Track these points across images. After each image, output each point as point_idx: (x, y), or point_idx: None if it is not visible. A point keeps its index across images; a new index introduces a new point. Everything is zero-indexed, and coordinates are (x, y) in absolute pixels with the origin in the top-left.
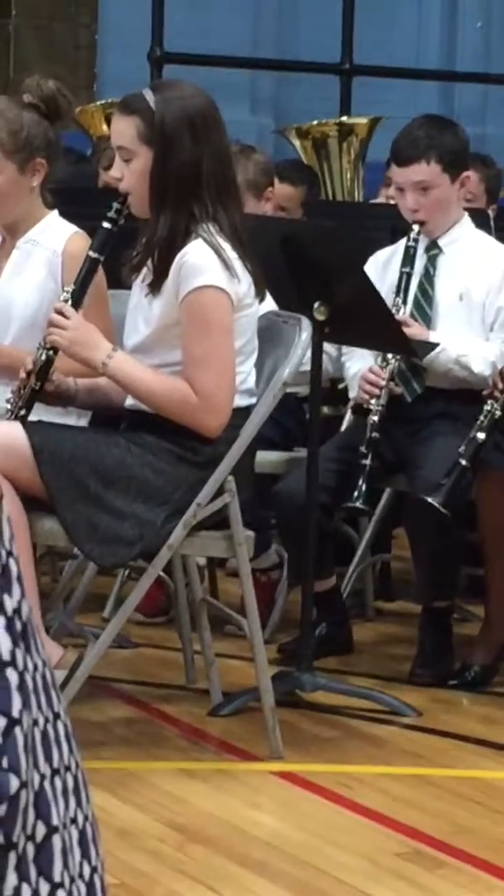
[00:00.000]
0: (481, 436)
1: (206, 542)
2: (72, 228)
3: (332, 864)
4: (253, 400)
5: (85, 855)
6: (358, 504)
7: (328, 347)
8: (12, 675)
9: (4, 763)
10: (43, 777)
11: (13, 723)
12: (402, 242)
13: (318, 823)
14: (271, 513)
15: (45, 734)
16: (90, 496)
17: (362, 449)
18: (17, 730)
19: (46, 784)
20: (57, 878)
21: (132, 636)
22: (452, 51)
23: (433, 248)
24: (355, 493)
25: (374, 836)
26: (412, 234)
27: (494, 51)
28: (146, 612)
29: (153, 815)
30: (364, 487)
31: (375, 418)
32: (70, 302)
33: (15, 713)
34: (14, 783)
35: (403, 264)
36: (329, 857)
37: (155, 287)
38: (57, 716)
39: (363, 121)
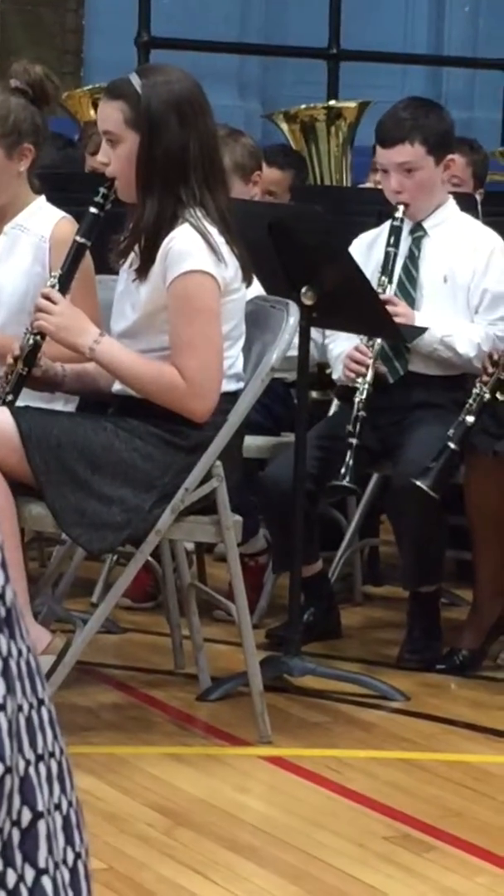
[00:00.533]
0: (470, 419)
1: (193, 526)
2: (59, 214)
3: (321, 849)
4: (241, 385)
5: (69, 841)
6: (345, 482)
7: (313, 334)
8: None
9: None
10: (28, 763)
11: None
12: (388, 224)
13: (306, 808)
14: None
15: (29, 720)
16: (78, 481)
17: (349, 428)
18: (2, 715)
19: (31, 770)
20: (42, 864)
21: (120, 621)
22: (440, 35)
23: (418, 231)
24: (342, 470)
25: (362, 820)
26: (396, 215)
27: (482, 35)
28: (134, 597)
29: (142, 799)
30: (352, 465)
31: (363, 397)
32: (57, 287)
33: None
34: None
35: (388, 243)
36: (318, 842)
37: (142, 272)
38: (41, 702)
39: (352, 105)
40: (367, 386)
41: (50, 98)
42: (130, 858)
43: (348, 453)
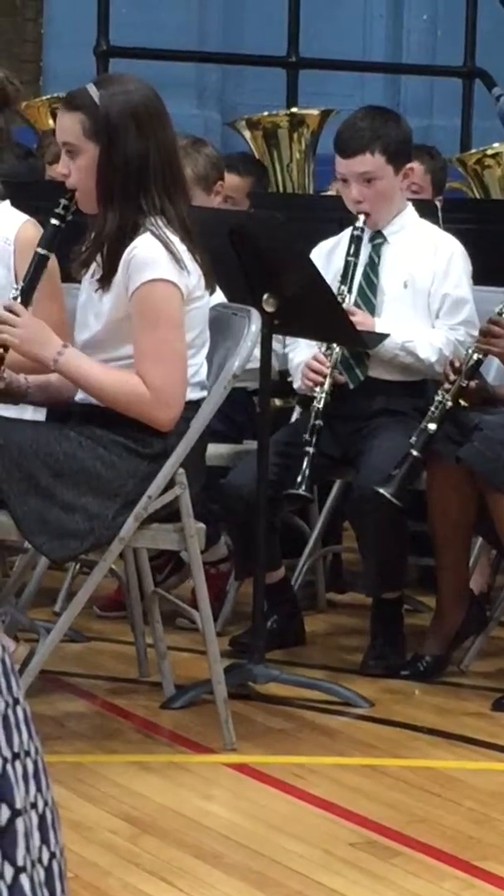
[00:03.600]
0: (433, 427)
1: (157, 534)
2: (23, 217)
3: (286, 855)
4: (204, 393)
5: (44, 840)
6: (301, 491)
7: (275, 345)
8: None
9: None
10: (5, 760)
11: None
12: (347, 232)
13: (271, 814)
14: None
15: (5, 718)
16: (41, 490)
17: (306, 436)
18: None
19: (9, 767)
20: (20, 862)
21: (84, 630)
22: (398, 43)
23: (377, 238)
24: (298, 479)
25: (327, 826)
26: (357, 223)
27: (440, 43)
28: (103, 606)
29: (107, 807)
30: (308, 474)
31: (319, 406)
32: (20, 299)
33: None
34: None
35: (349, 252)
36: (283, 848)
37: (104, 282)
38: (16, 701)
39: (314, 112)
40: (324, 395)
41: (11, 101)
42: (95, 866)
43: (304, 462)
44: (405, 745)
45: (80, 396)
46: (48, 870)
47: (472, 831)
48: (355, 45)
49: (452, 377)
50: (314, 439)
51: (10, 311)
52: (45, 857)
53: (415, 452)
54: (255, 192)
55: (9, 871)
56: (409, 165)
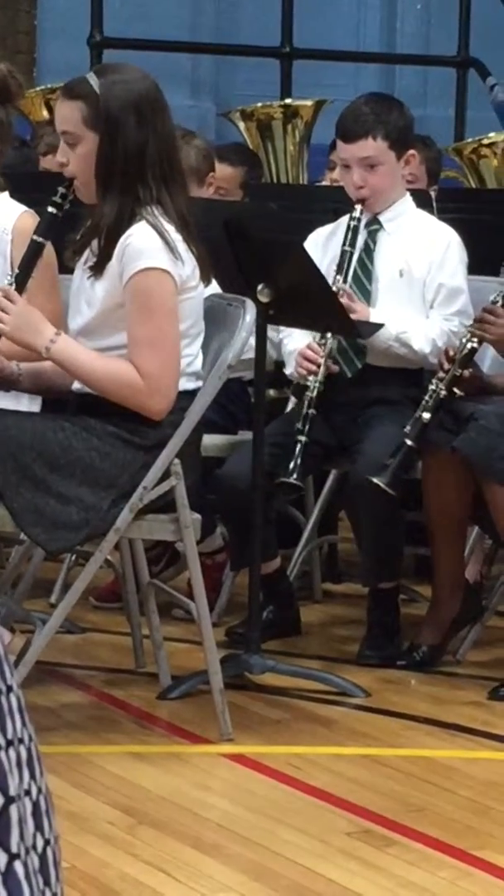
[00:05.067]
0: (426, 416)
1: (152, 525)
2: (21, 207)
3: (283, 845)
4: (199, 383)
5: (38, 827)
6: (293, 479)
7: (269, 333)
8: None
9: None
10: None
11: None
12: (344, 219)
13: (268, 804)
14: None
15: None
16: (36, 481)
17: (298, 426)
18: None
19: (2, 754)
20: (14, 849)
21: (80, 621)
22: (392, 33)
23: (374, 224)
24: (290, 468)
25: (324, 816)
26: (354, 213)
27: (434, 32)
28: (100, 596)
29: (104, 798)
30: (300, 463)
31: (313, 395)
32: (14, 286)
33: None
34: None
35: (345, 242)
36: (280, 838)
37: (98, 269)
38: (10, 689)
39: (308, 103)
40: (317, 384)
41: (13, 95)
42: (93, 857)
43: (296, 451)
44: (401, 734)
45: (76, 386)
46: (42, 857)
47: (469, 820)
48: (349, 36)
49: (447, 366)
50: (307, 428)
51: (5, 297)
52: (40, 844)
53: (409, 442)
54: (249, 182)
55: (2, 858)
56: (410, 152)
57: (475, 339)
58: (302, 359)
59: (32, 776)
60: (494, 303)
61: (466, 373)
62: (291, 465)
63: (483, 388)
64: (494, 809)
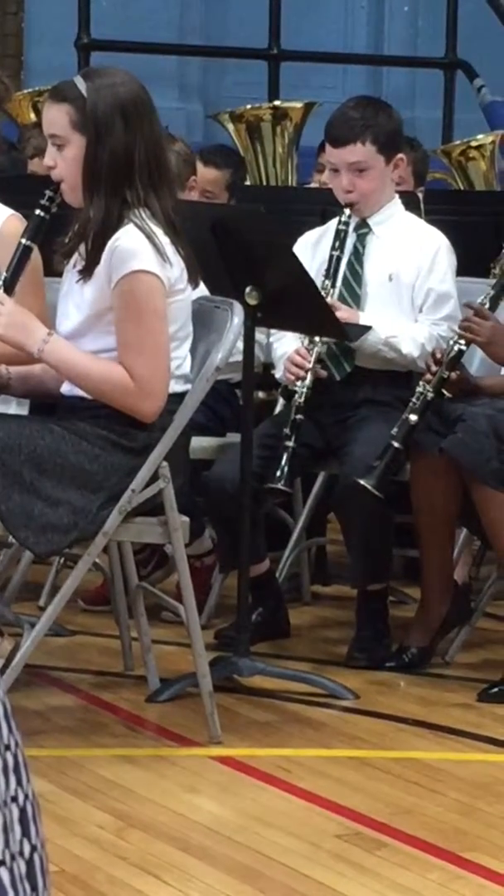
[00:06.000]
0: (414, 418)
1: (141, 528)
2: (8, 211)
3: (273, 848)
4: (188, 386)
5: (25, 833)
6: (280, 486)
7: (258, 335)
8: None
9: None
10: None
11: None
12: (333, 223)
13: (257, 807)
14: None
15: None
16: (24, 484)
17: (286, 431)
18: None
19: None
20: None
21: (69, 624)
22: (380, 35)
23: (363, 228)
24: (277, 474)
25: (313, 818)
26: (343, 217)
27: (422, 34)
28: (88, 599)
29: (93, 801)
30: (287, 469)
31: (300, 400)
32: (3, 288)
33: None
34: None
35: (333, 247)
36: (269, 841)
37: (86, 272)
38: None
39: (297, 105)
40: (305, 390)
41: (1, 99)
42: (82, 860)
43: (284, 457)
44: (391, 736)
45: (66, 389)
46: (29, 863)
47: (458, 822)
48: (337, 37)
49: (434, 368)
50: (294, 435)
51: None
52: (27, 850)
53: (396, 444)
54: (236, 184)
55: None
56: (398, 156)
57: (463, 341)
58: (290, 364)
59: (19, 782)
60: (482, 304)
61: (454, 375)
62: (278, 472)
63: (471, 390)
64: (484, 811)
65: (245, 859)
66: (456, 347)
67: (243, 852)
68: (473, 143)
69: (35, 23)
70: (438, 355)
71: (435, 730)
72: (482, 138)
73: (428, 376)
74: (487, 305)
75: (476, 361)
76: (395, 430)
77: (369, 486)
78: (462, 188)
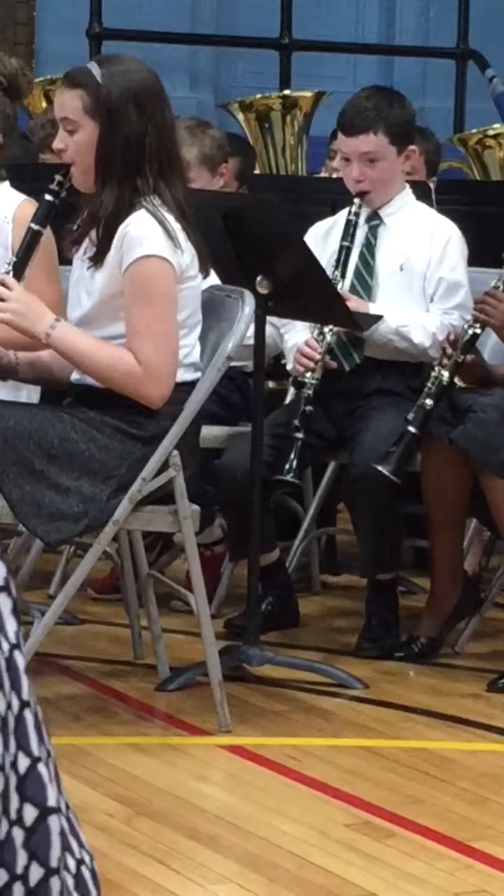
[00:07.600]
0: (430, 402)
1: (151, 516)
2: (21, 196)
3: (282, 837)
4: (198, 374)
5: (66, 847)
6: (288, 477)
7: (270, 326)
8: None
9: None
10: (23, 704)
11: None
12: (343, 213)
13: (267, 796)
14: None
15: (9, 662)
16: (35, 473)
17: (295, 423)
18: None
19: (27, 712)
20: (36, 753)
21: (79, 613)
22: (391, 25)
23: (374, 219)
24: (286, 467)
25: (322, 807)
26: (353, 208)
27: (433, 24)
28: (98, 588)
29: (102, 790)
30: (295, 461)
31: (309, 392)
32: (11, 273)
33: None
34: None
35: (343, 238)
36: (278, 830)
37: (97, 259)
38: (14, 646)
39: (308, 94)
40: (314, 381)
41: (23, 92)
42: (91, 848)
43: (293, 449)
44: (400, 726)
45: (75, 377)
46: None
47: (467, 812)
48: (348, 27)
49: (450, 351)
50: (304, 426)
51: (3, 284)
52: (72, 863)
53: (412, 429)
54: (247, 174)
55: (24, 762)
56: (411, 148)
57: (478, 325)
58: (300, 355)
59: (60, 792)
60: (496, 288)
61: (469, 358)
62: (287, 465)
63: (484, 378)
64: (492, 801)
65: (254, 848)
66: (470, 331)
67: (252, 841)
68: (490, 132)
69: (47, 11)
70: (453, 338)
71: (444, 719)
72: (499, 127)
73: (444, 360)
74: (502, 289)
75: (487, 351)
76: (410, 416)
77: (387, 472)
78: (478, 177)
